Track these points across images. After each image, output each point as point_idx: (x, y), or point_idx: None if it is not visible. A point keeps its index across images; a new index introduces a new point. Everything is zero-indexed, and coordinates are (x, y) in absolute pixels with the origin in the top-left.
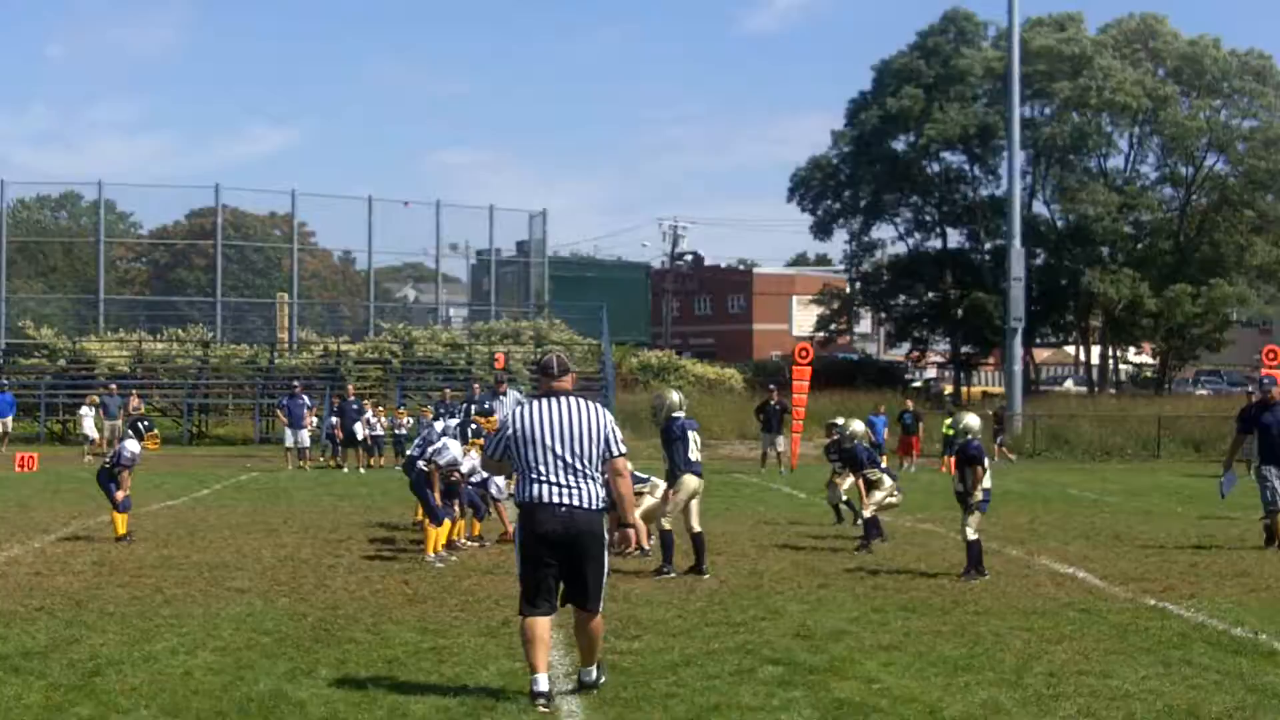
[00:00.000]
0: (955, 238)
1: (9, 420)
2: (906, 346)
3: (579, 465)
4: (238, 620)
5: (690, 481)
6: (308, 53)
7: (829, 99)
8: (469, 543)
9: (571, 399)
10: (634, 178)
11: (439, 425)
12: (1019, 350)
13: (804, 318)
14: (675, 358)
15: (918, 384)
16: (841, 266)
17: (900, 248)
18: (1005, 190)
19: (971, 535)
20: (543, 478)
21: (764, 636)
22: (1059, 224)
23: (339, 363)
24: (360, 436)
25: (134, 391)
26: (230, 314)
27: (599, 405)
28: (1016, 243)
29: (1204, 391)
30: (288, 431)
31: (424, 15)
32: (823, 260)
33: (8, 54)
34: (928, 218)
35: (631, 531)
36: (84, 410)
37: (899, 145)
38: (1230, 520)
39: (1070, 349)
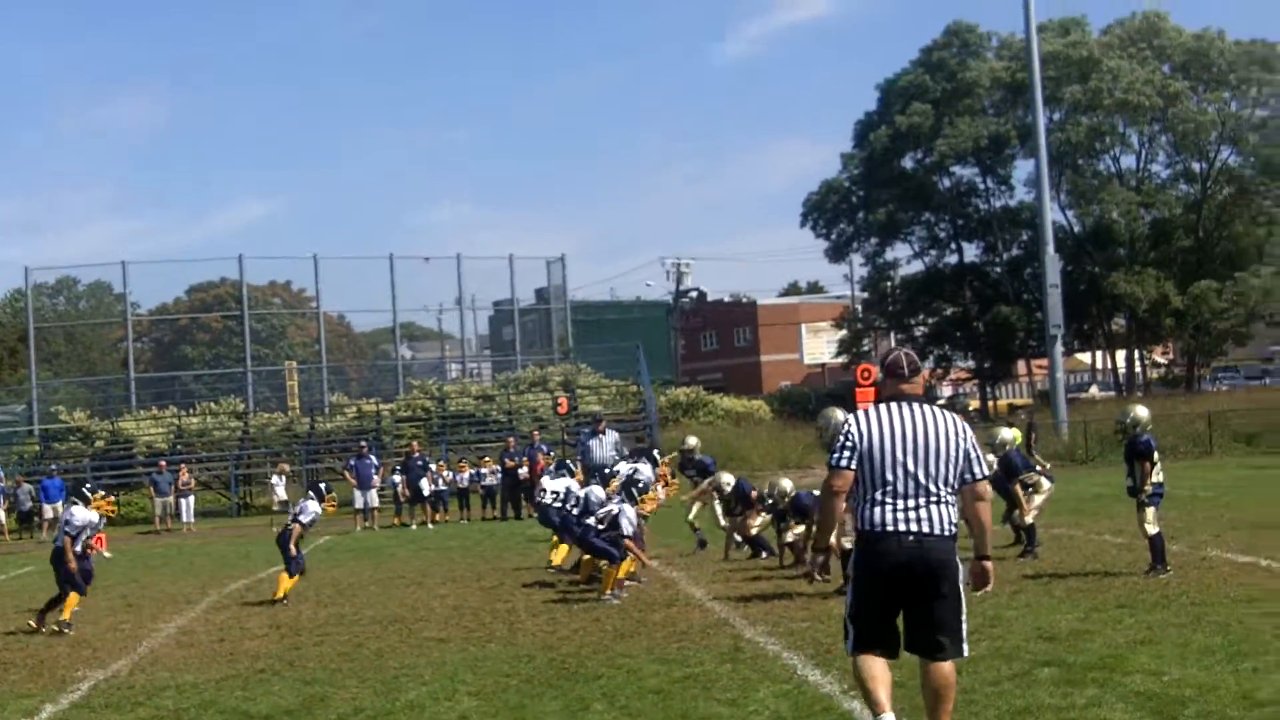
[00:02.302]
0: (971, 252)
1: (59, 505)
2: (929, 365)
3: (933, 486)
4: (470, 665)
5: None
6: (284, 123)
7: (806, 124)
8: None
9: (925, 406)
10: (622, 220)
11: (598, 490)
12: (1060, 358)
13: (813, 345)
14: (703, 393)
15: (942, 401)
16: (840, 292)
17: (915, 266)
18: (1033, 197)
19: (1151, 530)
20: (888, 500)
21: (1009, 641)
22: (1075, 229)
23: (377, 423)
24: (426, 492)
25: (182, 466)
26: (234, 386)
27: (956, 416)
28: (1050, 249)
29: (1224, 387)
30: (356, 492)
31: (397, 67)
32: (815, 288)
33: None
34: (942, 234)
35: (990, 565)
36: (275, 479)
37: (908, 163)
38: None
39: (1083, 356)
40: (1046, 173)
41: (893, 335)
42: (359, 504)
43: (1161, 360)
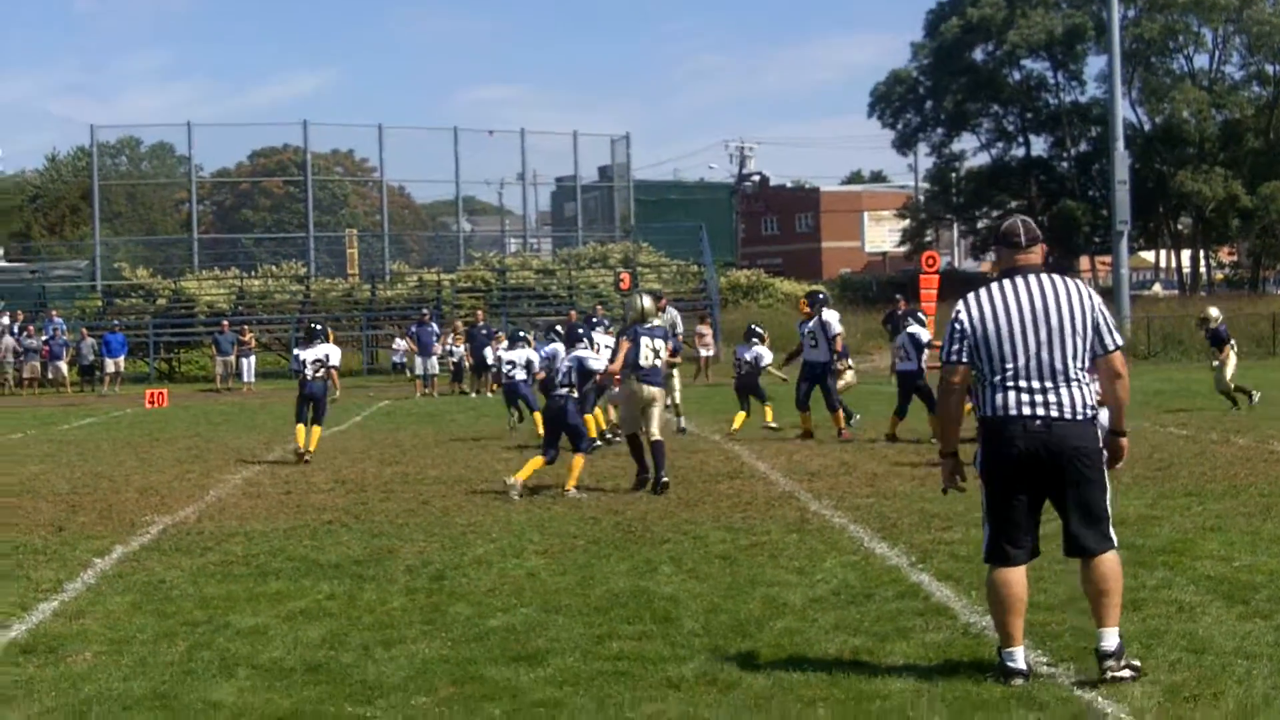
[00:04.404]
0: (1039, 146)
1: (121, 360)
2: (990, 257)
3: (1061, 364)
4: (537, 525)
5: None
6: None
7: (853, 19)
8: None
9: (1045, 277)
10: (684, 104)
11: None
12: (1125, 254)
13: (875, 234)
14: (764, 276)
15: None
16: (903, 183)
17: (982, 159)
18: (1104, 93)
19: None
20: (1010, 382)
21: None
22: (1145, 126)
23: (438, 292)
24: (490, 361)
25: (245, 326)
26: (294, 251)
27: (1082, 283)
28: (1120, 145)
29: None
30: (418, 359)
31: None
32: (878, 177)
33: (37, 9)
34: (1010, 127)
35: (1125, 442)
36: (398, 344)
37: (978, 55)
38: None
39: (1147, 254)
40: (1119, 68)
41: (956, 226)
42: (419, 370)
43: (1226, 261)
